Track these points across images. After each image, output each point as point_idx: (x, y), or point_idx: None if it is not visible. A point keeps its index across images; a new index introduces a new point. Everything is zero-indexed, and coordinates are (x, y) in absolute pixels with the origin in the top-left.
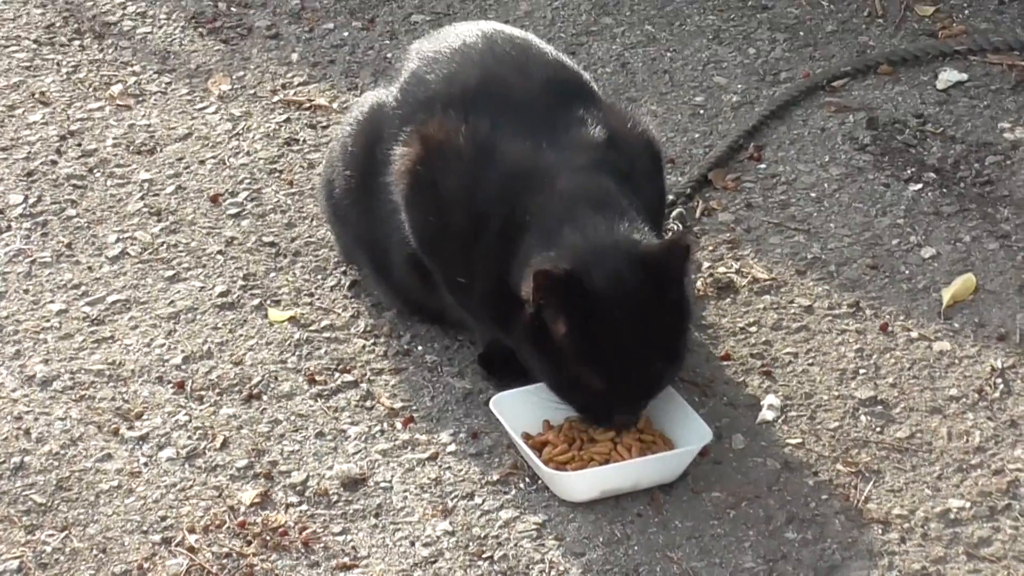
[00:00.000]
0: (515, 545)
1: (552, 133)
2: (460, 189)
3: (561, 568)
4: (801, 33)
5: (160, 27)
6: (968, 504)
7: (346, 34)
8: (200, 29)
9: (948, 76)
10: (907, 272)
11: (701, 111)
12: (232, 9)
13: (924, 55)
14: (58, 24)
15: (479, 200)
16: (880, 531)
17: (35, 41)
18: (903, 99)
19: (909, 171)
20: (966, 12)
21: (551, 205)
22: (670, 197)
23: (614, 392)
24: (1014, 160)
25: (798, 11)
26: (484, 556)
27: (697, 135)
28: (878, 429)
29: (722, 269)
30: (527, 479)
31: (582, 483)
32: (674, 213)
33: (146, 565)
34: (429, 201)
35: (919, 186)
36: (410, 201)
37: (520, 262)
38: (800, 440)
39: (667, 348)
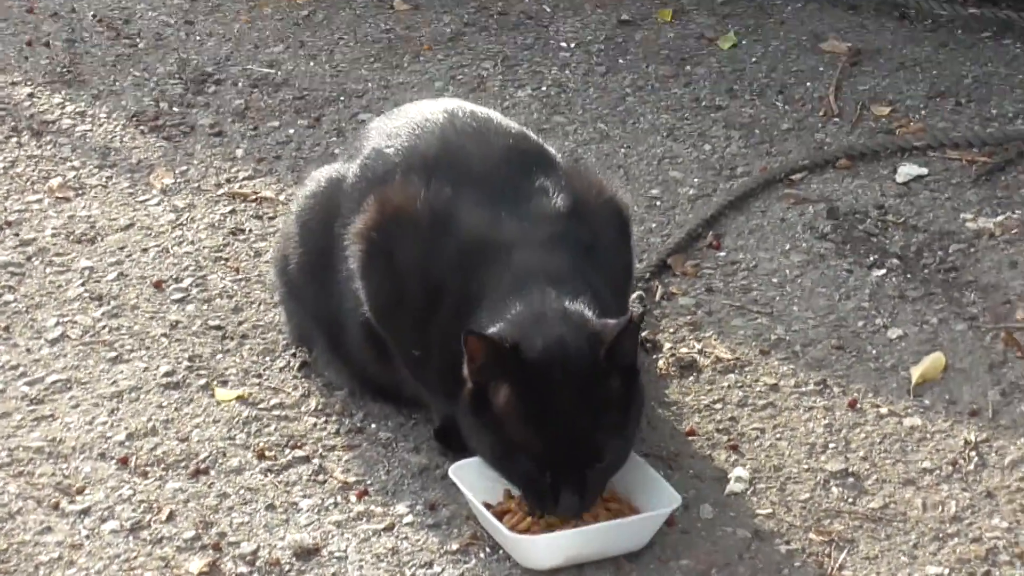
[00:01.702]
0: None
1: (513, 203)
2: (416, 257)
3: None
4: (756, 131)
5: (100, 125)
6: (947, 571)
7: (292, 131)
8: (141, 127)
9: (908, 170)
10: (874, 352)
11: (658, 203)
12: (174, 109)
13: (883, 150)
14: None
15: (435, 271)
16: None
17: None
18: (863, 191)
19: (872, 258)
20: (923, 112)
21: (504, 279)
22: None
23: (554, 457)
24: (978, 248)
25: (752, 111)
26: None
27: (654, 225)
28: (850, 500)
29: (684, 350)
30: (488, 548)
31: (546, 548)
32: (633, 296)
33: None
34: (384, 269)
35: (883, 271)
36: (365, 267)
37: None
38: (770, 511)
39: (611, 422)
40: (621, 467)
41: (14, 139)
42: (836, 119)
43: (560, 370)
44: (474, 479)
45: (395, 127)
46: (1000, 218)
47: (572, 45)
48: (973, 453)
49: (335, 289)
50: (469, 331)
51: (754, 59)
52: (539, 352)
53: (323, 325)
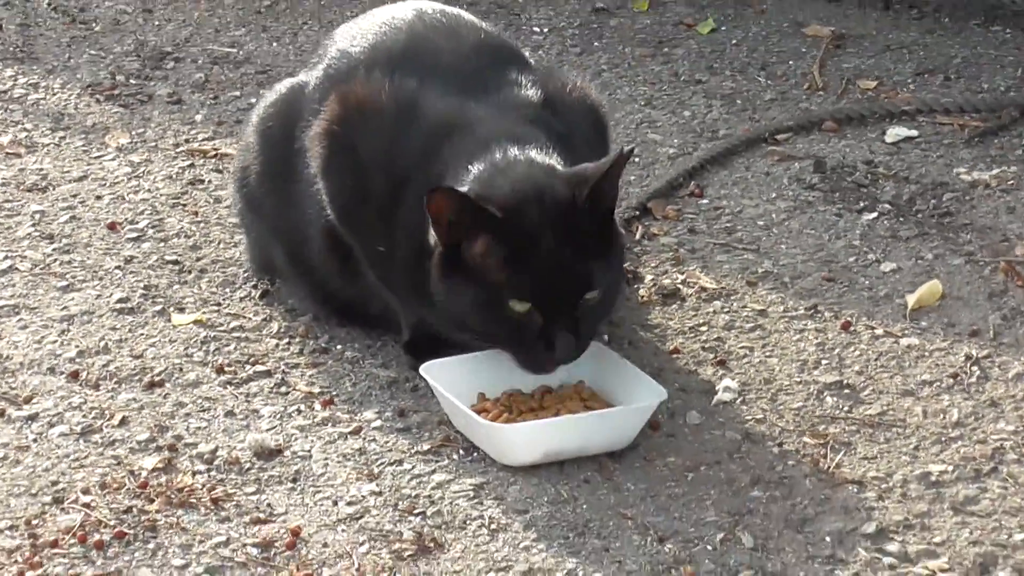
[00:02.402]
0: (450, 503)
1: (483, 93)
2: (380, 149)
3: (502, 522)
4: (738, 101)
5: (53, 95)
6: (951, 468)
7: (253, 100)
8: (96, 96)
9: (897, 131)
10: (867, 283)
11: (636, 159)
12: (131, 81)
13: (870, 114)
14: None
15: (400, 160)
16: (855, 490)
17: None
18: (851, 150)
19: (862, 204)
20: (911, 86)
21: (470, 148)
22: None
23: (543, 290)
24: (974, 196)
25: (734, 84)
26: (416, 512)
27: (633, 178)
28: (846, 408)
29: (666, 281)
30: (461, 450)
31: (522, 439)
32: None
33: (35, 522)
34: (347, 164)
35: (874, 215)
36: (327, 164)
37: None
38: (761, 416)
39: (596, 251)
40: (613, 304)
41: None
42: (821, 92)
43: (536, 208)
44: (446, 379)
45: (361, 28)
46: (995, 171)
47: (546, 30)
48: (975, 367)
49: (297, 199)
50: (432, 188)
51: (734, 42)
52: (510, 194)
53: (284, 239)
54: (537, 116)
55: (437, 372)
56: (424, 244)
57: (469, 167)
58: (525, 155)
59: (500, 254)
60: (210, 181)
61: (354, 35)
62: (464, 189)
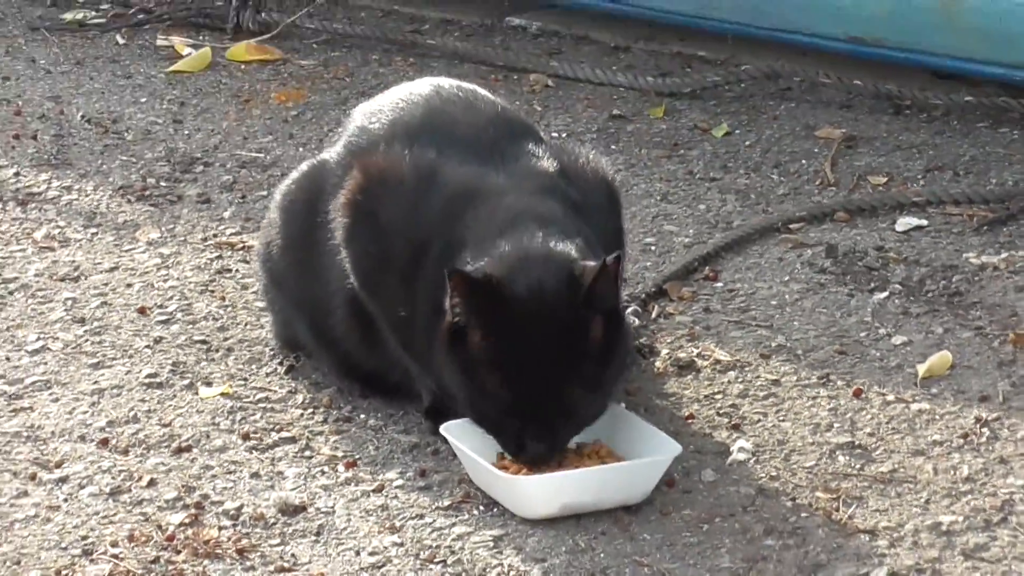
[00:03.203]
0: (470, 553)
1: (500, 162)
2: (401, 217)
3: (521, 570)
4: (752, 195)
5: (86, 196)
6: (961, 518)
7: None
8: (128, 197)
9: (907, 220)
10: (878, 355)
11: (652, 247)
12: (162, 184)
13: (881, 205)
14: None
15: (420, 227)
16: (867, 539)
17: None
18: (862, 238)
19: (873, 284)
20: (921, 182)
21: (491, 221)
22: (623, 297)
23: (522, 409)
24: (983, 277)
25: (748, 181)
26: (436, 561)
27: (649, 264)
28: (858, 466)
29: (682, 354)
30: (482, 505)
31: (541, 492)
32: (628, 310)
33: (64, 572)
34: (369, 232)
35: (885, 294)
36: (350, 233)
37: None
38: (775, 474)
39: (587, 374)
40: (595, 420)
41: None
42: (832, 187)
43: (537, 314)
44: (467, 437)
45: (379, 105)
46: (1004, 255)
47: (564, 135)
48: (985, 429)
49: (319, 271)
50: (452, 268)
51: (748, 143)
52: (521, 294)
53: (307, 311)
54: (553, 185)
55: (457, 431)
56: (440, 307)
57: (491, 247)
58: (546, 246)
59: (493, 357)
60: (237, 270)
61: (373, 112)
62: (478, 274)
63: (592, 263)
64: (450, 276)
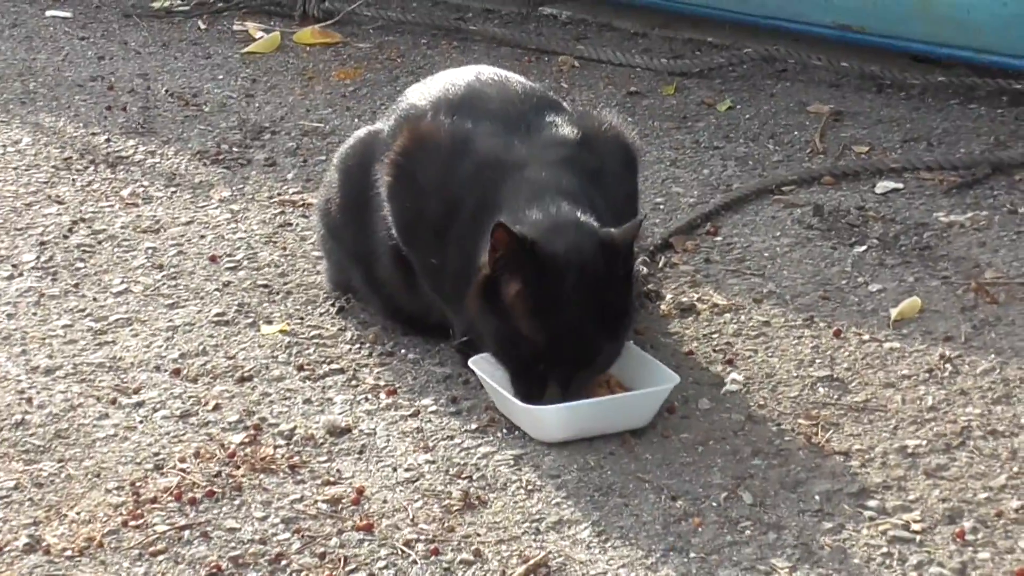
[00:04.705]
0: (493, 469)
1: (526, 134)
2: (436, 176)
3: (537, 484)
4: (750, 162)
5: (167, 159)
6: (925, 442)
7: None
8: (204, 160)
9: (885, 184)
10: (856, 300)
11: (661, 207)
12: (234, 149)
13: (863, 170)
14: (75, 157)
15: (453, 187)
16: (841, 459)
17: (53, 167)
18: (845, 199)
19: (853, 239)
20: (899, 150)
21: (521, 191)
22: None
23: (553, 353)
24: (951, 233)
25: (747, 149)
26: (463, 476)
27: (657, 220)
28: (835, 397)
29: (684, 298)
30: (504, 429)
31: (556, 418)
32: (638, 261)
33: (138, 483)
34: (408, 188)
35: (864, 247)
36: (392, 190)
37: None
38: (763, 403)
39: (610, 324)
40: (610, 367)
41: (91, 168)
42: (821, 155)
43: (575, 273)
44: (492, 370)
45: (428, 86)
46: (970, 214)
47: (586, 107)
48: (948, 365)
49: (369, 225)
50: (500, 223)
51: (748, 117)
52: (558, 253)
53: (360, 260)
54: (572, 154)
55: (484, 364)
56: (473, 260)
57: (523, 214)
58: (571, 215)
59: (530, 305)
60: (297, 224)
61: (423, 91)
62: (522, 233)
63: (619, 229)
64: (494, 231)
